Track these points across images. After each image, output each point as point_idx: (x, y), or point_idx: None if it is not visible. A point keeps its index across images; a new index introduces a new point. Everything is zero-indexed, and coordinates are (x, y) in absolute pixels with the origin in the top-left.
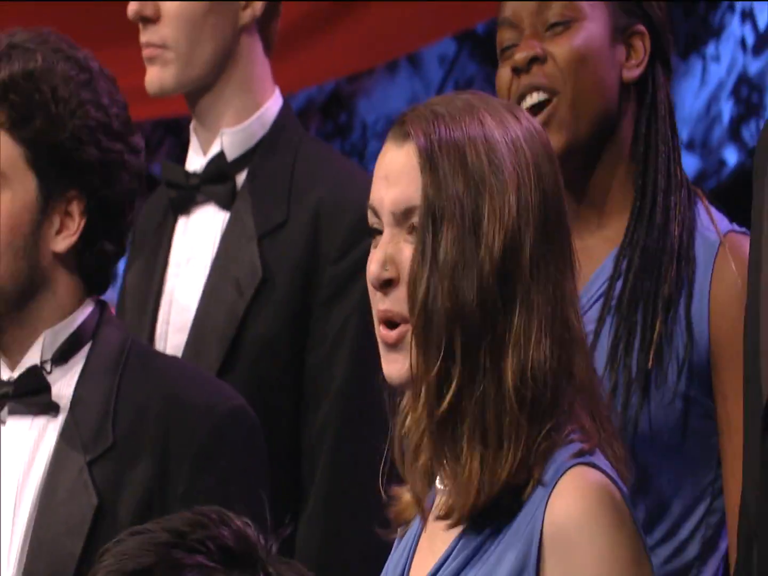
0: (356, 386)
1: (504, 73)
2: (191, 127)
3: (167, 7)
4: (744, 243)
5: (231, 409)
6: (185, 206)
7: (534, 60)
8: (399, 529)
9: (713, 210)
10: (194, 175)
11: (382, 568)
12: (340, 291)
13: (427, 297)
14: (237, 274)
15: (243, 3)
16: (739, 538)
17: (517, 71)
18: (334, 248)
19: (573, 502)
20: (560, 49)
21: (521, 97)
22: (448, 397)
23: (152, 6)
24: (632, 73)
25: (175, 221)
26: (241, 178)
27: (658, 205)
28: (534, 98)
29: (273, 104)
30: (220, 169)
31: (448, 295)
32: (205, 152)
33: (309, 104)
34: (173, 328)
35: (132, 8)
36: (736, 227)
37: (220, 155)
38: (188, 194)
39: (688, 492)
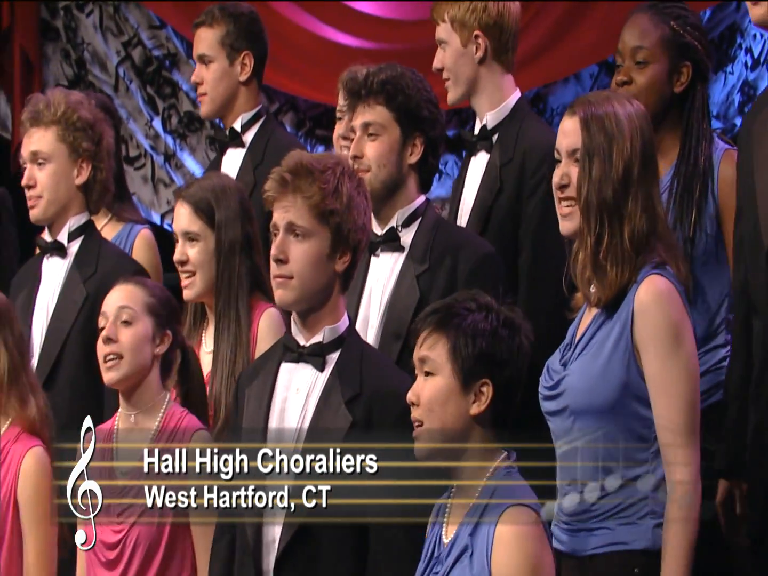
0: (541, 239)
1: (614, 81)
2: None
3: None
4: (733, 153)
5: (486, 253)
6: (473, 151)
7: (625, 82)
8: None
9: (721, 142)
10: (475, 135)
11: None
12: (534, 189)
13: (588, 194)
14: (489, 184)
15: (479, 59)
16: (737, 315)
17: (618, 84)
18: (531, 169)
19: (650, 289)
20: (640, 79)
21: None
22: (603, 246)
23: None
24: (679, 89)
25: (469, 160)
26: (495, 137)
27: (693, 150)
28: None
29: (513, 98)
30: (484, 132)
31: (597, 193)
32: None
33: (522, 98)
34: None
35: (434, 65)
36: (731, 147)
37: (485, 126)
38: (473, 145)
39: (719, 289)
